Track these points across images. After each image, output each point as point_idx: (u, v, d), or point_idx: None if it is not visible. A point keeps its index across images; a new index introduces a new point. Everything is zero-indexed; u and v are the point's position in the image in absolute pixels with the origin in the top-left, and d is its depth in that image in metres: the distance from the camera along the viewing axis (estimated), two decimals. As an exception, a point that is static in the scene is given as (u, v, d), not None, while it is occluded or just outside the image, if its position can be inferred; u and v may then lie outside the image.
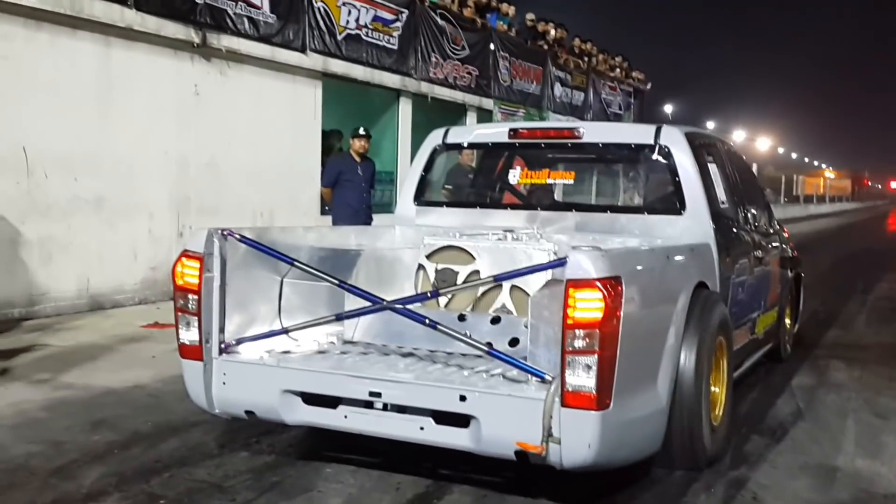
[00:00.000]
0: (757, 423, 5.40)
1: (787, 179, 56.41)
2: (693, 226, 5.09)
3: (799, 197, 57.47)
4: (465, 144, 6.48)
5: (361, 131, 9.45)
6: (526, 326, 4.05)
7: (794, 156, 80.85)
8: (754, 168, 13.14)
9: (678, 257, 4.55)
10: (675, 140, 5.29)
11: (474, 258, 5.17)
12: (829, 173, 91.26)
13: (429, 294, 4.26)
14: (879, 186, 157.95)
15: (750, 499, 4.13)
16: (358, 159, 9.36)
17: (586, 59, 22.29)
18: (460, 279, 5.13)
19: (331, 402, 4.03)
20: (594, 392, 3.45)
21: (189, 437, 4.84)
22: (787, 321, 7.41)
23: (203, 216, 10.21)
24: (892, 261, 19.21)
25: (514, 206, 6.03)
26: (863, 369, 7.15)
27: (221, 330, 4.23)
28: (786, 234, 7.66)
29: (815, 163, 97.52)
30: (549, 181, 6.10)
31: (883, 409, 5.84)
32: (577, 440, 3.49)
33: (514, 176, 6.16)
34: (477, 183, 6.83)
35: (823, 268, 15.82)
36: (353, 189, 9.27)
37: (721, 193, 5.54)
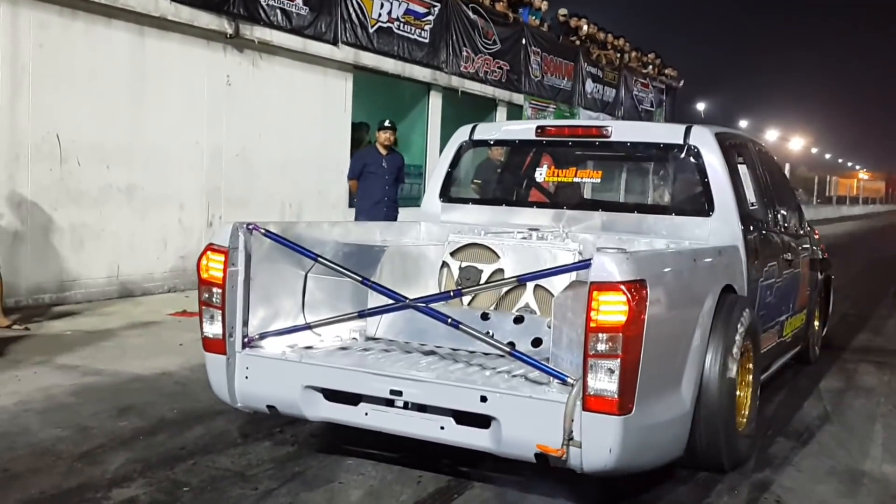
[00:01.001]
0: (783, 425, 5.34)
1: (819, 180, 55.78)
2: (721, 228, 5.03)
3: (832, 198, 56.79)
4: (492, 141, 6.45)
5: (387, 123, 9.45)
6: (549, 327, 4.04)
7: (827, 156, 79.95)
8: (786, 168, 13.00)
9: (705, 260, 4.50)
10: (705, 140, 5.23)
11: (499, 256, 5.15)
12: (863, 174, 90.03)
13: (452, 293, 4.24)
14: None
15: (773, 502, 4.10)
16: (384, 152, 9.36)
17: (618, 55, 22.14)
18: (484, 277, 5.12)
19: (352, 399, 4.03)
20: (616, 396, 3.43)
21: (213, 426, 4.89)
22: (816, 324, 7.32)
23: (232, 207, 10.28)
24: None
25: (540, 205, 6.00)
26: (892, 374, 7.06)
27: (245, 324, 4.25)
28: (816, 236, 7.56)
29: (849, 164, 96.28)
30: (576, 180, 6.07)
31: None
32: (599, 444, 3.47)
33: (541, 174, 6.13)
34: (503, 180, 6.80)
35: (854, 270, 15.61)
36: (376, 181, 9.28)
37: (751, 195, 5.47)
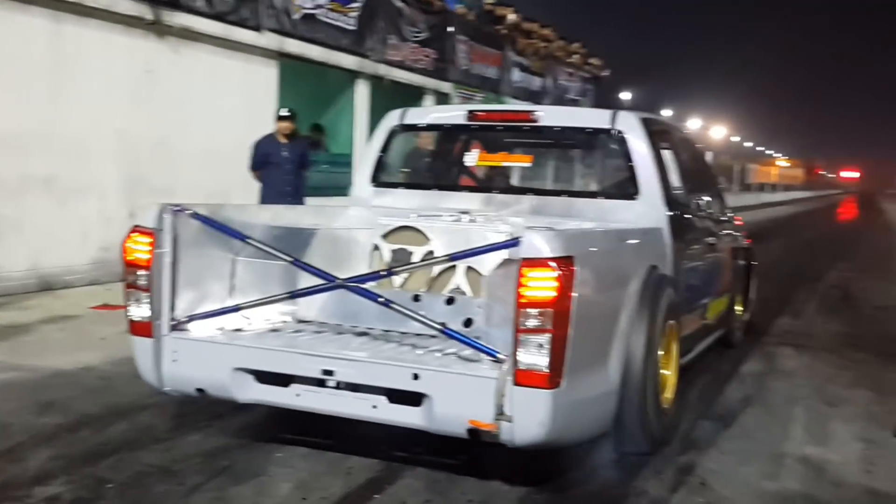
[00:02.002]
0: (707, 408, 5.47)
1: (740, 167, 57.23)
2: (647, 210, 5.13)
3: (752, 185, 58.33)
4: (423, 126, 6.45)
5: (283, 112, 9.36)
6: (480, 307, 4.08)
7: (748, 144, 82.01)
8: (708, 156, 13.30)
9: (631, 240, 4.59)
10: (630, 125, 5.32)
11: (429, 239, 5.16)
12: (782, 162, 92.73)
13: (383, 273, 4.25)
14: (831, 175, 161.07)
15: (698, 484, 4.18)
16: (284, 140, 9.27)
17: (545, 44, 22.34)
18: (415, 260, 5.13)
19: (283, 380, 4.01)
20: (546, 371, 3.48)
21: (138, 420, 4.78)
22: (739, 308, 7.51)
23: (155, 197, 9.89)
24: (842, 249, 19.62)
25: (470, 189, 6.03)
26: (812, 357, 7.28)
27: (172, 307, 4.19)
28: (738, 222, 7.77)
29: (769, 152, 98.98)
30: (506, 164, 6.12)
31: (832, 396, 5.95)
32: (529, 418, 3.52)
33: (472, 158, 6.16)
34: (434, 165, 6.81)
35: (775, 256, 16.08)
36: (277, 171, 9.19)
37: (675, 179, 5.59)
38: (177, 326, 4.20)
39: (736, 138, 72.14)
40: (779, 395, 5.99)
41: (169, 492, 3.84)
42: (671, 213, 5.19)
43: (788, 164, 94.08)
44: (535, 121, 5.58)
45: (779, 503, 4.03)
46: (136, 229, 4.13)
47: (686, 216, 5.60)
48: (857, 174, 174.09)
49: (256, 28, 11.73)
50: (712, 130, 57.66)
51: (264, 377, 4.05)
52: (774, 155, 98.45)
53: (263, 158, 9.25)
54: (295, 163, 9.30)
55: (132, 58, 10.01)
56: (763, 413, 5.48)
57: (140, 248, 4.11)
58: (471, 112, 5.86)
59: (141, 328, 4.17)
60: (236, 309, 4.38)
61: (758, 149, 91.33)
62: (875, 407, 5.69)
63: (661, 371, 4.58)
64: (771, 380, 6.42)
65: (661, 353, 4.50)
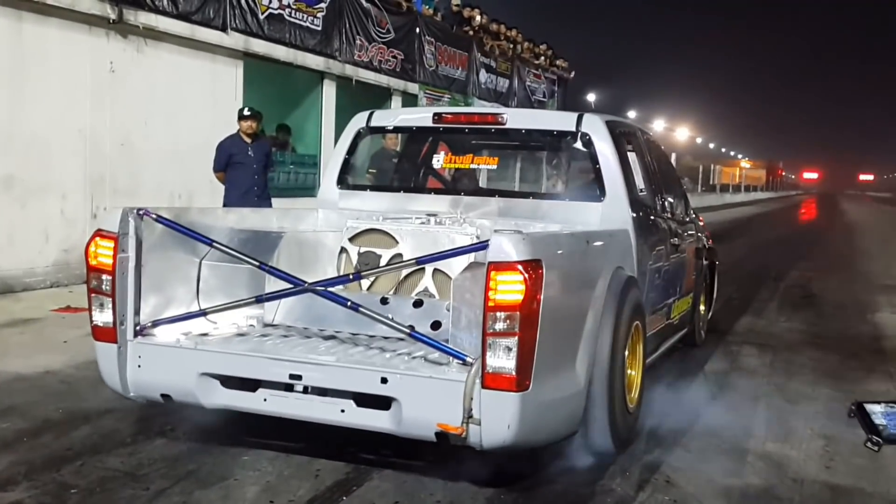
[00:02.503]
0: (671, 407, 5.53)
1: (704, 169, 57.78)
2: (612, 212, 5.17)
3: (715, 186, 58.91)
4: (390, 128, 6.44)
5: (246, 112, 9.30)
6: (448, 310, 4.08)
7: (711, 146, 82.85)
8: (672, 157, 13.44)
9: (597, 242, 4.62)
10: (595, 128, 5.36)
11: (397, 242, 5.16)
12: (745, 163, 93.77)
13: (351, 276, 4.24)
14: (793, 177, 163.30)
15: (664, 482, 4.23)
16: (248, 140, 9.23)
17: (511, 46, 22.42)
18: (383, 262, 5.13)
19: (250, 385, 3.99)
20: (514, 374, 3.50)
21: (102, 425, 4.72)
22: (702, 307, 7.60)
23: (118, 197, 9.95)
24: (804, 249, 19.90)
25: (437, 191, 6.04)
26: (774, 355, 7.38)
27: (136, 312, 4.15)
28: (701, 223, 7.85)
29: (732, 153, 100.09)
30: (473, 166, 6.13)
31: (793, 394, 6.04)
32: (497, 421, 3.53)
33: (438, 161, 6.17)
34: (401, 167, 6.81)
35: (738, 256, 16.27)
36: (243, 171, 9.11)
37: (640, 181, 5.64)
38: (141, 331, 4.16)
39: (700, 139, 72.85)
40: (741, 393, 6.06)
41: (134, 496, 3.80)
42: (636, 215, 5.24)
43: (751, 166, 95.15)
44: (501, 123, 5.60)
45: (742, 500, 4.08)
46: (100, 233, 4.08)
47: (651, 218, 5.66)
48: (817, 175, 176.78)
49: (222, 28, 11.64)
50: (677, 132, 58.20)
51: (231, 382, 4.02)
52: (738, 156, 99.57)
53: (228, 159, 9.18)
54: (260, 163, 9.24)
55: (95, 57, 9.88)
56: (726, 411, 5.54)
57: (103, 253, 4.06)
58: (437, 114, 5.87)
59: (104, 333, 4.12)
60: (202, 313, 4.35)
61: (722, 150, 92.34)
62: (835, 404, 5.78)
63: (627, 371, 4.62)
64: (734, 378, 6.50)
65: (626, 353, 4.54)
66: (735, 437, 4.98)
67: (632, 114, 41.32)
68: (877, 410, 1.51)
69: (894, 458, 4.57)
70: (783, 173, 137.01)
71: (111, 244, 4.05)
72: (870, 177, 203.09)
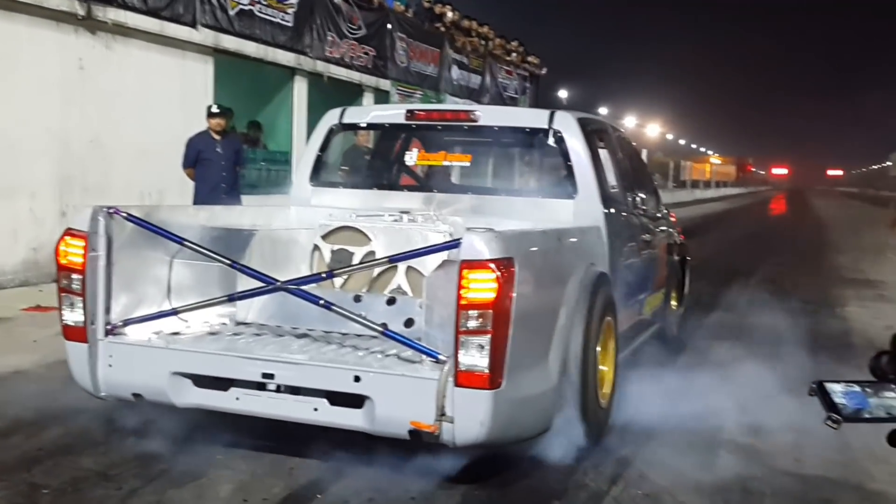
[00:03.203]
0: (644, 401, 5.56)
1: (675, 165, 58.20)
2: (584, 209, 5.20)
3: (686, 182, 59.35)
4: (362, 125, 6.44)
5: (214, 109, 9.28)
6: (421, 308, 4.09)
7: (682, 142, 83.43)
8: (643, 154, 13.53)
9: (570, 239, 4.65)
10: (567, 125, 5.38)
11: (370, 239, 5.16)
12: (715, 159, 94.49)
13: (323, 275, 4.24)
14: (762, 172, 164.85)
15: (636, 476, 4.26)
16: (217, 137, 9.18)
17: (483, 42, 22.44)
18: (356, 260, 5.12)
19: (222, 384, 3.98)
20: (487, 371, 3.51)
21: (73, 425, 4.67)
22: (674, 303, 7.66)
23: (88, 195, 9.84)
24: (774, 244, 20.11)
25: (410, 188, 6.04)
26: (745, 350, 7.44)
27: (107, 311, 4.13)
28: (673, 219, 7.91)
29: (702, 149, 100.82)
30: (446, 163, 6.14)
31: (763, 388, 6.09)
32: (470, 419, 3.55)
33: (411, 158, 6.17)
34: (374, 164, 6.80)
35: (709, 251, 16.40)
36: (212, 168, 9.11)
37: (612, 178, 5.67)
38: (112, 331, 4.14)
39: (670, 136, 73.33)
40: (712, 387, 6.10)
41: (106, 496, 3.78)
42: (608, 212, 5.27)
43: (721, 162, 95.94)
44: (474, 120, 5.61)
45: (714, 493, 4.12)
46: (69, 232, 4.06)
47: (622, 214, 5.69)
48: (786, 171, 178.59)
49: (191, 24, 11.55)
50: (647, 128, 58.54)
51: (203, 381, 4.01)
52: (708, 152, 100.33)
53: (197, 156, 9.13)
54: (229, 160, 9.21)
55: (63, 54, 9.77)
56: (698, 405, 5.58)
57: (73, 252, 4.04)
58: (410, 111, 5.87)
59: (75, 333, 4.10)
60: (173, 312, 4.33)
61: (692, 146, 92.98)
62: (804, 397, 5.83)
63: (600, 367, 4.65)
64: (705, 372, 6.54)
65: (598, 349, 4.57)
66: (707, 431, 5.03)
67: (603, 110, 41.51)
68: (837, 389, 1.54)
69: (864, 450, 4.64)
70: (752, 169, 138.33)
71: (81, 243, 4.03)
72: (838, 172, 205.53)
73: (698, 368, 6.70)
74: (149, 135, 10.93)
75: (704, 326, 8.58)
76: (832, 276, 13.78)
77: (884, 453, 4.54)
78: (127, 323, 4.19)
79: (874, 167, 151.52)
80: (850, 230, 27.89)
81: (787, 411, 5.50)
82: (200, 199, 8.97)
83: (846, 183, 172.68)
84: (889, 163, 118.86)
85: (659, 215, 7.09)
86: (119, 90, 10.52)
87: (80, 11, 9.77)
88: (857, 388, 1.55)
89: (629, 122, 48.90)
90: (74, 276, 4.05)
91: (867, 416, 1.52)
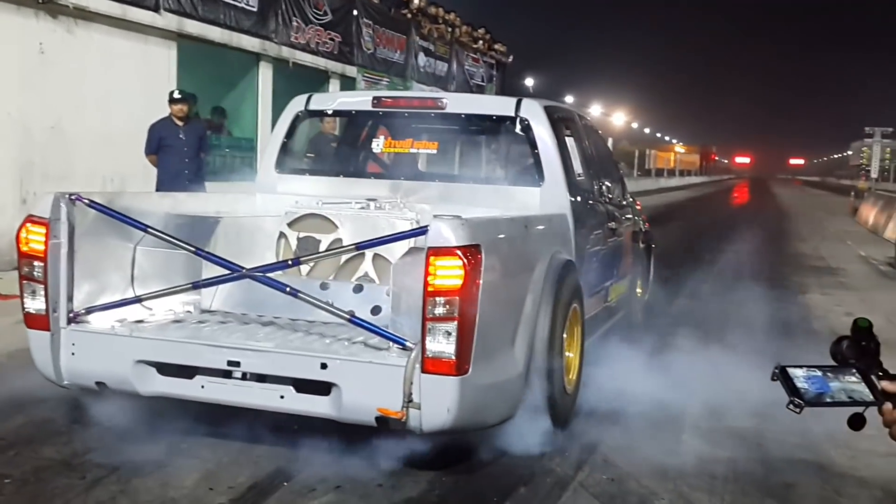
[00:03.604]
0: (609, 387, 5.61)
1: (640, 153, 58.55)
2: (551, 197, 5.22)
3: (651, 170, 59.76)
4: (329, 112, 6.40)
5: (176, 94, 9.18)
6: (388, 294, 4.09)
7: (647, 130, 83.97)
8: (609, 142, 13.59)
9: (536, 227, 4.67)
10: (534, 113, 5.40)
11: (337, 227, 5.14)
12: (680, 148, 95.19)
13: (290, 262, 4.22)
14: (726, 161, 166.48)
15: (601, 461, 4.31)
16: (180, 123, 9.09)
17: (449, 29, 22.39)
18: (323, 247, 5.10)
19: (187, 372, 3.95)
20: (454, 358, 3.53)
21: (35, 414, 4.62)
22: (639, 290, 7.72)
23: (49, 182, 9.68)
24: (736, 232, 20.33)
25: (377, 176, 6.03)
26: (708, 335, 7.52)
27: (70, 298, 4.08)
28: (638, 207, 7.97)
29: (667, 138, 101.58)
30: (413, 151, 6.13)
31: (727, 373, 6.16)
32: (437, 405, 3.56)
33: (378, 145, 6.15)
34: (340, 151, 6.77)
35: (673, 239, 16.55)
36: (175, 154, 9.03)
37: (578, 166, 5.70)
38: (75, 319, 4.10)
39: (635, 124, 73.76)
40: (676, 372, 6.15)
41: (69, 486, 3.74)
42: (574, 199, 5.30)
43: (685, 151, 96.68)
44: (441, 108, 5.61)
45: (678, 477, 4.17)
46: (31, 219, 4.01)
47: (589, 202, 5.72)
48: (749, 160, 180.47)
49: (154, 8, 11.39)
50: (613, 117, 58.83)
51: (167, 369, 3.99)
52: (672, 141, 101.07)
53: (159, 142, 9.03)
54: (193, 147, 9.11)
55: (23, 38, 9.60)
56: (662, 391, 5.62)
57: (35, 239, 3.99)
58: (377, 98, 5.85)
59: (37, 321, 4.05)
60: (137, 300, 4.29)
61: (657, 135, 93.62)
62: (766, 383, 5.91)
63: (566, 353, 4.68)
64: (669, 358, 6.59)
65: (565, 336, 4.60)
66: (671, 416, 5.08)
67: (569, 98, 41.62)
68: (799, 374, 1.56)
69: (825, 434, 4.71)
70: (716, 158, 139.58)
71: (43, 230, 3.99)
72: (800, 161, 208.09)
73: (662, 354, 6.76)
74: (111, 121, 10.78)
75: (668, 313, 8.66)
76: (794, 263, 13.98)
77: (844, 437, 4.64)
78: (90, 311, 4.15)
79: (835, 156, 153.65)
80: (811, 218, 28.29)
81: (750, 396, 5.57)
82: (163, 186, 8.88)
83: (807, 171, 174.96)
84: (850, 152, 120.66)
85: (624, 203, 7.14)
86: (81, 75, 10.37)
87: (41, -5, 9.60)
88: (818, 373, 1.57)
89: (595, 110, 49.09)
90: (36, 263, 4.01)
91: (829, 400, 1.54)
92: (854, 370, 1.57)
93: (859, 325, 1.60)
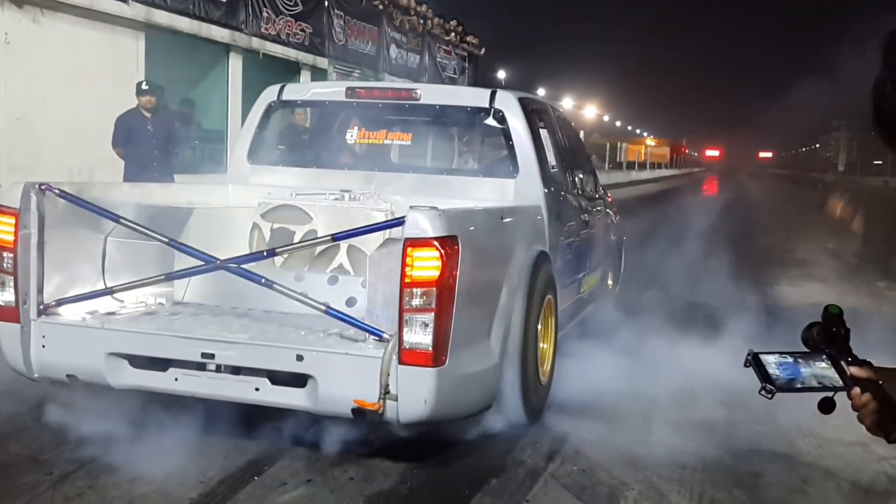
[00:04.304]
0: (582, 378, 5.63)
1: (611, 146, 58.81)
2: (525, 189, 5.23)
3: (622, 163, 60.03)
4: (301, 102, 6.36)
5: (144, 86, 9.08)
6: (363, 286, 4.08)
7: (618, 123, 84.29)
8: (581, 135, 13.63)
9: (511, 218, 4.67)
10: (509, 104, 5.40)
11: (311, 218, 5.11)
12: (651, 141, 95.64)
13: (264, 254, 4.18)
14: (696, 154, 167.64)
15: (573, 452, 4.33)
16: (148, 115, 9.00)
17: (421, 21, 22.33)
18: (297, 239, 5.07)
19: (160, 364, 3.91)
20: (431, 349, 3.53)
21: (3, 408, 4.54)
22: (610, 282, 7.76)
23: (15, 174, 9.50)
24: (706, 224, 20.48)
25: (351, 167, 5.99)
26: (678, 327, 7.58)
27: (40, 290, 4.03)
28: (610, 199, 8.01)
29: (638, 131, 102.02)
30: (387, 142, 6.10)
31: (697, 364, 6.21)
32: (414, 396, 3.56)
33: (352, 136, 6.12)
34: (313, 142, 6.73)
35: (643, 231, 16.64)
36: (142, 146, 8.92)
37: (552, 158, 5.71)
38: (45, 311, 4.05)
39: (607, 117, 74.05)
40: (648, 364, 6.21)
41: (37, 482, 3.70)
42: (548, 191, 5.31)
43: (656, 144, 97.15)
44: (415, 98, 5.59)
45: (648, 468, 4.21)
46: (0, 209, 3.93)
47: (562, 194, 5.74)
48: (718, 153, 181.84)
49: (122, -2, 11.25)
50: (585, 109, 58.99)
51: (140, 362, 3.94)
52: (643, 134, 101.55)
53: (127, 134, 8.92)
54: (161, 138, 9.01)
55: (-12, 28, 9.44)
56: (634, 382, 5.67)
57: (4, 230, 3.95)
58: (351, 89, 5.81)
59: (6, 313, 4.00)
60: (108, 292, 4.24)
61: (628, 128, 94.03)
62: (736, 373, 5.96)
63: (540, 344, 4.70)
64: (640, 350, 6.64)
65: (539, 327, 4.62)
66: (642, 407, 5.13)
67: (541, 91, 41.68)
68: (771, 361, 1.59)
69: (792, 424, 4.78)
70: (686, 151, 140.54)
71: (12, 220, 3.94)
72: (769, 154, 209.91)
73: (633, 346, 6.80)
74: (78, 112, 10.64)
75: (639, 304, 8.71)
76: (763, 255, 14.12)
77: (810, 426, 4.71)
78: (60, 303, 4.10)
79: (803, 149, 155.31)
80: (779, 211, 28.60)
81: (719, 386, 5.63)
82: (131, 178, 8.77)
83: (777, 164, 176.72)
84: (818, 145, 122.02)
85: (597, 195, 7.17)
86: (47, 66, 10.23)
87: (6, -17, 9.44)
88: (789, 359, 1.60)
89: (566, 103, 49.16)
90: (5, 254, 3.95)
91: (799, 385, 1.57)
92: (824, 356, 1.60)
93: (830, 312, 1.63)
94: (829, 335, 1.62)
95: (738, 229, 20.19)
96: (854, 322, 1.69)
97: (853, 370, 1.57)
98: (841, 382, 1.57)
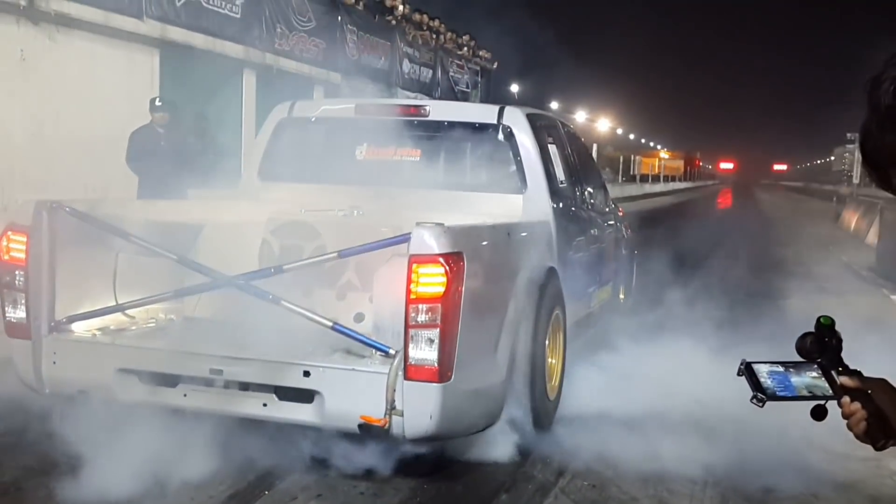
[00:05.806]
0: (591, 393, 5.62)
1: (624, 159, 58.73)
2: (533, 204, 5.25)
3: (636, 176, 59.93)
4: (312, 119, 6.40)
5: (157, 102, 9.17)
6: (370, 302, 4.10)
7: (632, 136, 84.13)
8: (593, 149, 13.64)
9: (519, 234, 4.69)
10: (516, 121, 5.43)
11: (320, 234, 5.13)
12: (664, 154, 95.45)
13: (273, 270, 4.21)
14: (710, 167, 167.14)
15: (583, 468, 4.34)
16: (161, 131, 9.07)
17: (434, 36, 22.44)
18: (305, 255, 5.09)
19: (169, 380, 3.94)
20: (436, 365, 3.54)
21: (15, 423, 4.53)
22: (622, 296, 7.76)
23: (30, 190, 9.60)
24: (721, 238, 20.43)
25: (360, 183, 6.01)
26: (690, 341, 7.55)
27: (51, 307, 4.08)
28: (621, 213, 8.01)
29: (652, 143, 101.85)
30: (396, 158, 6.13)
31: (709, 380, 6.15)
32: (420, 412, 3.57)
33: (361, 152, 6.15)
34: (323, 158, 6.76)
35: (656, 245, 16.60)
36: (155, 162, 8.97)
37: (560, 173, 5.73)
38: (56, 327, 4.09)
39: (620, 130, 73.93)
40: (658, 379, 6.17)
41: (48, 496, 3.72)
42: (556, 207, 5.33)
43: (670, 156, 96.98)
44: (424, 115, 5.63)
45: (659, 483, 4.21)
46: (12, 228, 4.00)
47: (571, 209, 5.75)
48: (733, 165, 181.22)
49: (137, 15, 11.36)
50: (598, 123, 58.94)
51: (149, 378, 3.97)
52: (657, 147, 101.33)
53: (140, 150, 8.99)
54: (174, 154, 9.07)
55: (5, 45, 9.57)
56: (644, 397, 5.65)
57: (16, 248, 3.99)
58: (360, 105, 5.85)
59: (18, 330, 4.05)
60: (119, 308, 4.27)
61: (642, 141, 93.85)
62: (742, 387, 5.91)
63: (548, 360, 4.70)
64: (652, 364, 6.61)
65: (547, 342, 4.62)
66: (653, 422, 5.09)
67: (554, 105, 41.67)
68: (763, 370, 1.62)
69: (802, 438, 4.74)
70: (700, 164, 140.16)
71: (24, 238, 3.98)
72: (783, 166, 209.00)
73: (645, 360, 6.78)
74: (93, 128, 10.72)
75: (651, 318, 8.68)
76: (775, 269, 14.06)
77: (821, 441, 4.67)
78: (71, 319, 4.14)
79: (818, 162, 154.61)
80: (793, 224, 28.47)
81: (729, 401, 5.60)
82: (145, 194, 8.85)
83: (791, 177, 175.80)
84: (833, 157, 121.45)
85: (607, 210, 7.18)
86: (62, 82, 10.32)
87: (22, 2, 9.57)
88: (781, 369, 1.63)
89: (580, 116, 49.14)
90: (17, 272, 4.00)
91: (790, 395, 1.59)
92: (816, 365, 1.62)
93: (822, 323, 1.66)
94: (821, 345, 1.64)
95: (751, 242, 20.12)
96: (865, 334, 1.71)
97: (843, 380, 1.59)
98: (831, 392, 1.58)
